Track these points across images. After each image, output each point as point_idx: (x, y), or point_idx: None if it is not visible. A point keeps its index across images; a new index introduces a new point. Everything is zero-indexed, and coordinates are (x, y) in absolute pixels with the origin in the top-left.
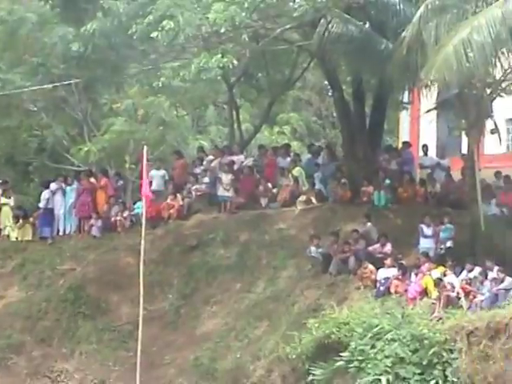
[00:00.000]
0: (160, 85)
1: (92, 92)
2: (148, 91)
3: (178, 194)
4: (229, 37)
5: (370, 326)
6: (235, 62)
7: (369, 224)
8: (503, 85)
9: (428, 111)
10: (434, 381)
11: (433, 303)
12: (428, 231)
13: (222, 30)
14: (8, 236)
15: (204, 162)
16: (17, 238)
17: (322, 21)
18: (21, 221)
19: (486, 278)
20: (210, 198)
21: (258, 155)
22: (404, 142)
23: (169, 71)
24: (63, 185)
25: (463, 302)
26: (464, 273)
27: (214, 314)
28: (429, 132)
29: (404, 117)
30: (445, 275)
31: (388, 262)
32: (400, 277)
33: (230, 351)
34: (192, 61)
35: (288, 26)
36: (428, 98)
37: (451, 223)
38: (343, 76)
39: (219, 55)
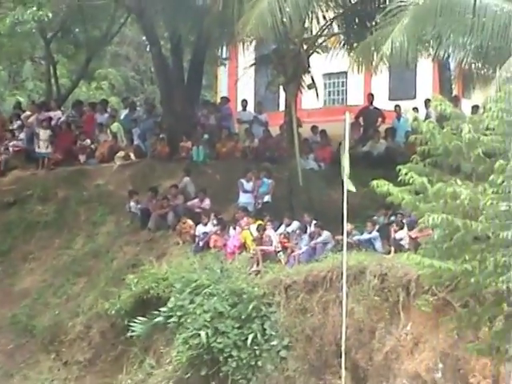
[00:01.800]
0: None
1: None
2: None
3: None
4: None
5: (188, 281)
6: (50, 15)
7: (186, 178)
8: (320, 40)
9: (247, 67)
10: (252, 334)
11: (251, 257)
12: (248, 186)
13: None
14: None
15: (21, 118)
16: None
17: None
18: None
19: (305, 232)
20: (27, 155)
21: (75, 111)
22: (222, 98)
23: None
24: None
25: (281, 256)
26: (282, 227)
27: (32, 270)
28: (247, 87)
29: (222, 72)
30: (264, 230)
31: (206, 217)
32: (219, 232)
33: (49, 308)
34: (7, 14)
35: None
36: (246, 54)
37: (269, 178)
38: (161, 31)
39: (34, 8)
